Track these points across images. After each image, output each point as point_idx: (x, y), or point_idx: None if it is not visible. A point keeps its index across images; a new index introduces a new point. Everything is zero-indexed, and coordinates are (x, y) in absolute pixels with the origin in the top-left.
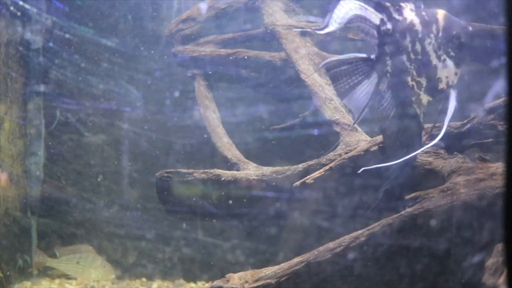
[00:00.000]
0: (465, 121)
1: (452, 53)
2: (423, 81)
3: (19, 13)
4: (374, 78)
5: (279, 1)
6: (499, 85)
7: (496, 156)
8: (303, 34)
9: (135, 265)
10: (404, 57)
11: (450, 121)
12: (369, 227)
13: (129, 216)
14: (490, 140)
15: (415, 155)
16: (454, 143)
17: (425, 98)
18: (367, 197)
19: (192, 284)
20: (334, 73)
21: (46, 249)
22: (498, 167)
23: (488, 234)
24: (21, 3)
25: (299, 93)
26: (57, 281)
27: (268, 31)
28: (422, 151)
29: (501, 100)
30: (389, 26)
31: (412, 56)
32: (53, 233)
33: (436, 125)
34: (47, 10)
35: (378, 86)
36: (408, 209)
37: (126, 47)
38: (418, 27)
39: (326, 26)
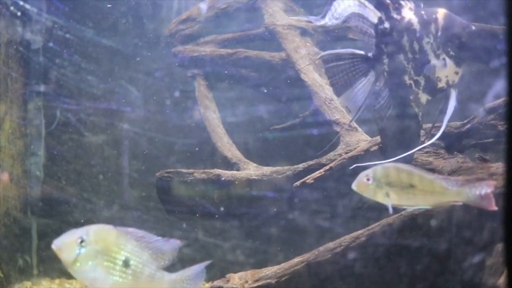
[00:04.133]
0: (465, 121)
1: (452, 53)
2: (421, 80)
3: (19, 13)
4: (371, 76)
5: (279, 1)
6: (499, 85)
7: (496, 156)
8: (303, 34)
9: None
10: (401, 56)
11: (450, 120)
12: (369, 227)
13: (129, 216)
14: (490, 140)
15: (412, 154)
16: (454, 143)
17: (423, 97)
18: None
19: None
20: (331, 68)
21: (46, 249)
22: (498, 167)
23: (488, 234)
24: (21, 3)
25: (299, 93)
26: (57, 281)
27: (268, 31)
28: (421, 149)
29: (501, 100)
30: (386, 25)
31: (410, 55)
32: (53, 233)
33: (436, 125)
34: (47, 10)
35: (375, 85)
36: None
37: (126, 47)
38: (416, 26)
39: (323, 17)
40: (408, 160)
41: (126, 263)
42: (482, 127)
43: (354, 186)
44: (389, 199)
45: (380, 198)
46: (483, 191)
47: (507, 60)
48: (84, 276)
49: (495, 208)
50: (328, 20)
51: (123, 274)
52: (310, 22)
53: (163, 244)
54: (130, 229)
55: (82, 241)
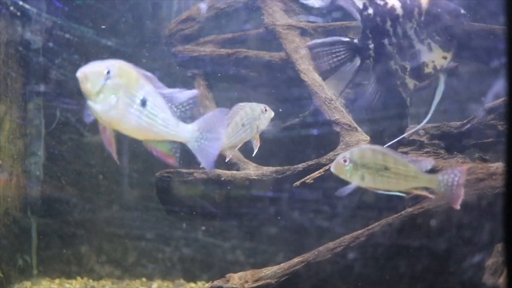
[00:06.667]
0: (465, 121)
1: (437, 37)
2: (407, 65)
3: (19, 13)
4: (356, 61)
5: (279, 1)
6: (499, 85)
7: (496, 156)
8: (303, 34)
9: (135, 265)
10: (386, 41)
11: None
12: (369, 227)
13: (129, 216)
14: (490, 140)
15: (399, 140)
16: (454, 143)
17: (411, 82)
18: (367, 197)
19: (192, 284)
20: (317, 52)
21: (46, 249)
22: (498, 167)
23: (488, 234)
24: (21, 3)
25: (299, 93)
26: (57, 281)
27: (268, 31)
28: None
29: (501, 100)
30: (370, 11)
31: (394, 40)
32: (53, 233)
33: (436, 125)
34: (47, 10)
35: (360, 69)
36: (408, 209)
37: (126, 47)
38: (399, 11)
39: None
40: (395, 148)
41: (143, 103)
42: (482, 127)
43: (332, 168)
44: (364, 181)
45: (355, 180)
46: (455, 180)
47: (507, 60)
48: (103, 110)
49: (458, 207)
50: (315, 1)
51: (139, 113)
52: (310, 22)
53: (179, 95)
54: (149, 74)
55: (108, 72)
